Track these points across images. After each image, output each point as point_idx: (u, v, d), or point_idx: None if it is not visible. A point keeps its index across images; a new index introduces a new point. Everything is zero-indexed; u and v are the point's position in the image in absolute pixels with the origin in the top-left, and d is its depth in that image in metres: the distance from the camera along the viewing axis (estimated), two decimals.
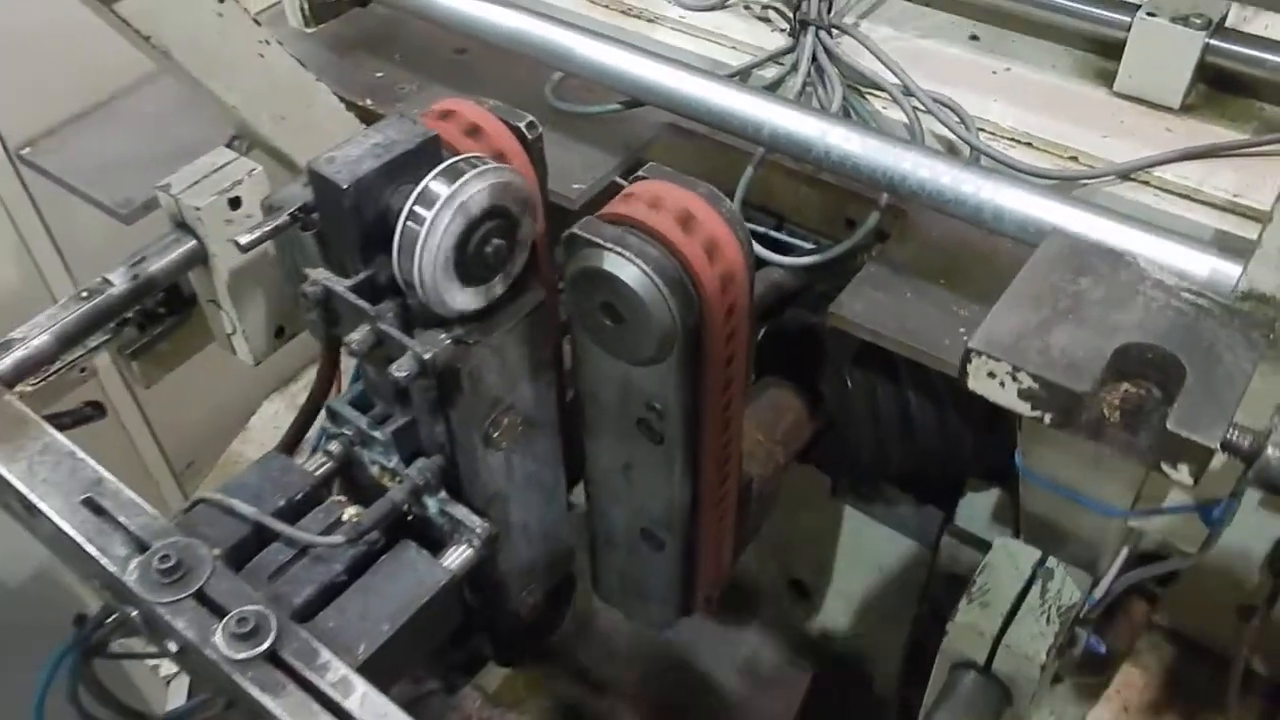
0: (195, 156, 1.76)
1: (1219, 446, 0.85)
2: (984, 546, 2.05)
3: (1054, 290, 1.00)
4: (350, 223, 1.19)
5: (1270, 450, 0.88)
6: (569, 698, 2.09)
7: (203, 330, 1.98)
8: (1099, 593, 1.31)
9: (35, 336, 1.60)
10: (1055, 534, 1.26)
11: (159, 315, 1.92)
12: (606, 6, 2.03)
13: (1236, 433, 0.89)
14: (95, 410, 1.79)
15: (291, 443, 1.72)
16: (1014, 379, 0.93)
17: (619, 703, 2.11)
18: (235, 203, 1.70)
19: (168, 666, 2.14)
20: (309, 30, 1.98)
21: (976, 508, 2.09)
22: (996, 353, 0.94)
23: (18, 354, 1.58)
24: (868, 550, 2.44)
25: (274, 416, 2.56)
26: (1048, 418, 0.93)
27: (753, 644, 2.02)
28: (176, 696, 2.16)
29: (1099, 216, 1.36)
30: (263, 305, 1.84)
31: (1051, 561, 1.24)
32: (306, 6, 1.94)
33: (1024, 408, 0.94)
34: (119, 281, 1.68)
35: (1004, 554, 1.27)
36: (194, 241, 1.73)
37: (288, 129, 1.73)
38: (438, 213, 1.13)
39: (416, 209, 1.14)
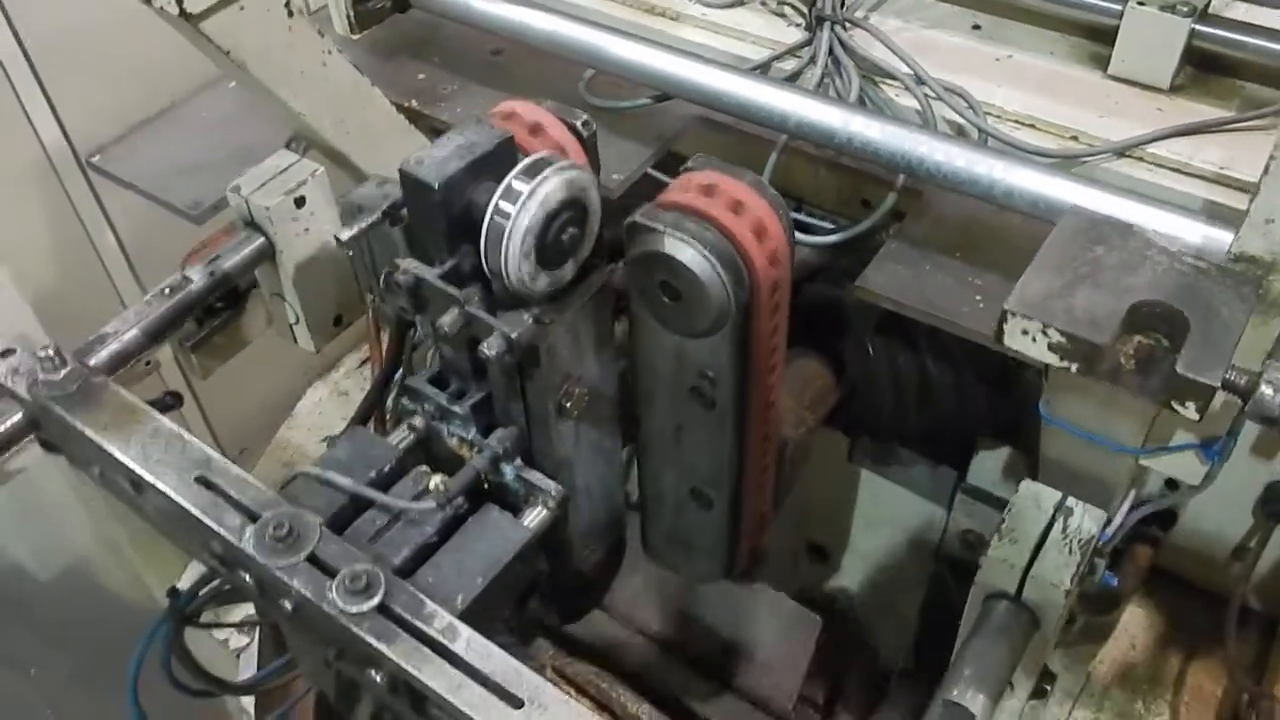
0: (253, 159, 1.89)
1: (1220, 385, 1.01)
2: (996, 502, 2.21)
3: (1074, 259, 1.15)
4: (439, 217, 1.32)
5: (1264, 387, 1.03)
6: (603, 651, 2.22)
7: (254, 324, 2.11)
8: (1112, 529, 1.46)
9: (126, 331, 1.73)
10: (1073, 476, 1.41)
11: (215, 310, 2.04)
12: (631, 6, 2.16)
13: (1234, 373, 1.04)
14: (174, 399, 1.93)
15: (364, 418, 1.86)
16: (1044, 334, 1.09)
17: (648, 654, 2.24)
18: (300, 202, 1.83)
19: (237, 640, 2.28)
20: (354, 36, 2.11)
21: (987, 466, 2.23)
22: (1029, 312, 1.09)
23: (112, 347, 1.71)
24: (883, 511, 2.59)
25: (318, 404, 2.69)
26: (1074, 367, 1.08)
27: (769, 598, 2.16)
28: (246, 669, 2.30)
29: (1102, 191, 1.51)
30: (323, 296, 1.97)
31: (1071, 501, 1.39)
32: (351, 14, 2.07)
33: (1053, 359, 1.09)
34: (197, 278, 1.81)
35: (1028, 496, 1.42)
36: (262, 239, 1.85)
37: (346, 131, 1.87)
38: (521, 207, 1.26)
39: (502, 204, 1.27)
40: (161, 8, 1.52)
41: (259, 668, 2.31)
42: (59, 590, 2.67)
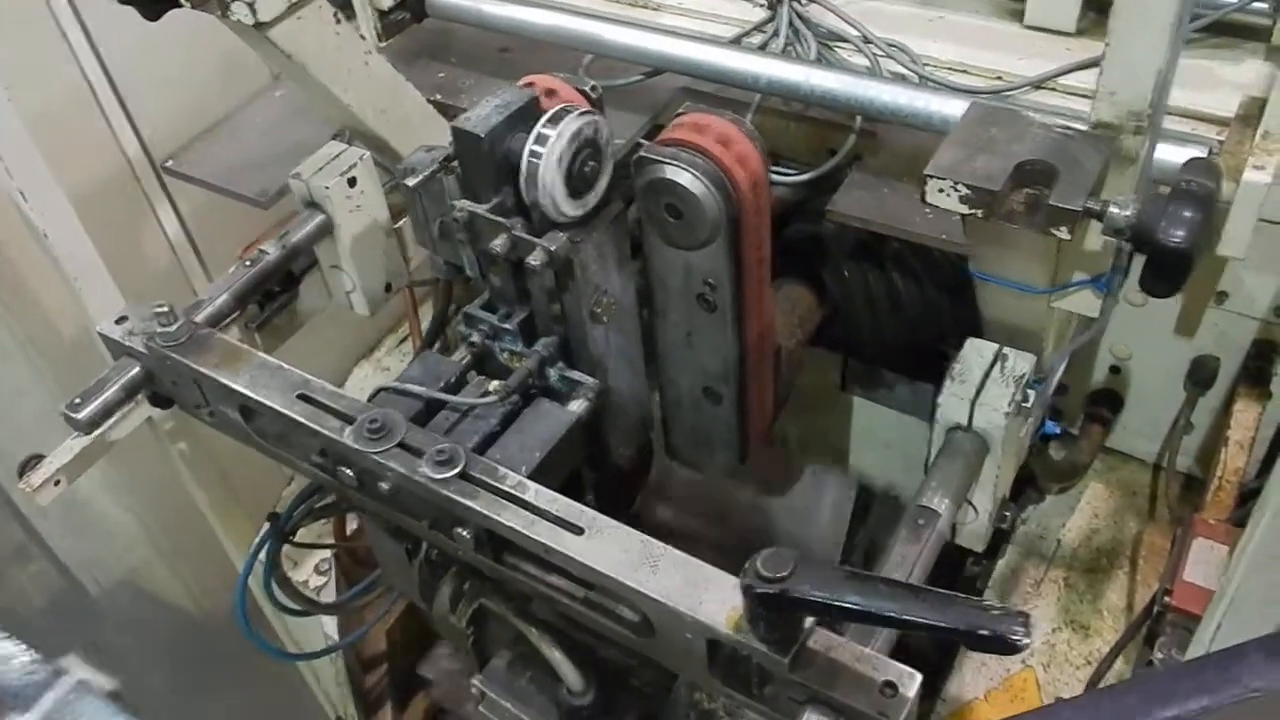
0: (302, 154, 2.21)
1: (1081, 210, 1.35)
2: None
3: (975, 137, 1.49)
4: (486, 162, 1.65)
5: (1111, 208, 1.36)
6: None
7: (307, 306, 2.43)
8: (1053, 380, 1.79)
9: (219, 295, 2.07)
10: (1005, 327, 1.75)
11: (274, 294, 2.37)
12: (617, 1, 2.51)
13: (1093, 201, 1.37)
14: None
15: (429, 344, 2.19)
16: (954, 189, 1.43)
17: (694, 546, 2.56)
18: (352, 182, 2.16)
19: (316, 579, 2.59)
20: (382, 44, 2.45)
21: None
22: (942, 174, 1.43)
23: (208, 310, 2.04)
24: (876, 432, 2.90)
25: (364, 379, 3.01)
26: (979, 212, 1.42)
27: (802, 490, 2.48)
28: None
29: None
30: (374, 266, 2.30)
31: (1006, 350, 1.74)
32: (379, 25, 2.41)
33: (963, 209, 1.43)
34: (272, 250, 2.15)
35: (972, 349, 1.77)
36: (322, 216, 2.18)
37: (386, 120, 2.19)
38: (551, 146, 1.60)
39: (534, 147, 1.61)
40: (238, 20, 1.85)
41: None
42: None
